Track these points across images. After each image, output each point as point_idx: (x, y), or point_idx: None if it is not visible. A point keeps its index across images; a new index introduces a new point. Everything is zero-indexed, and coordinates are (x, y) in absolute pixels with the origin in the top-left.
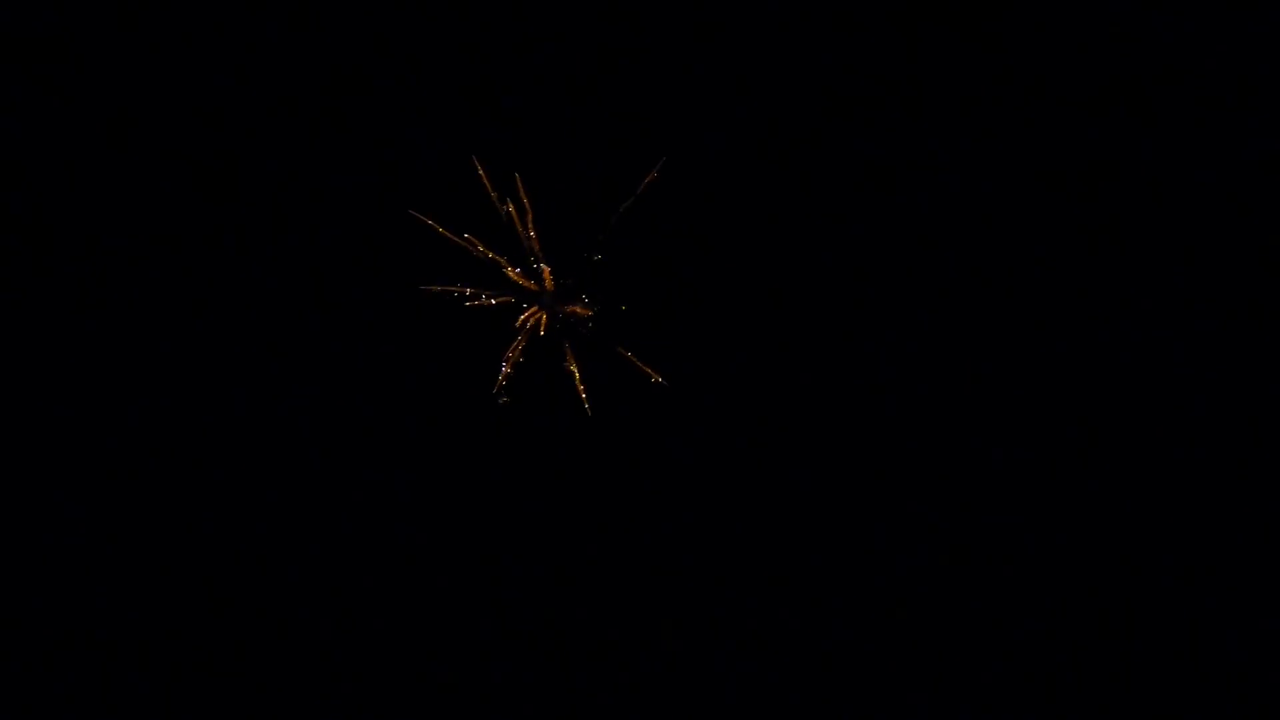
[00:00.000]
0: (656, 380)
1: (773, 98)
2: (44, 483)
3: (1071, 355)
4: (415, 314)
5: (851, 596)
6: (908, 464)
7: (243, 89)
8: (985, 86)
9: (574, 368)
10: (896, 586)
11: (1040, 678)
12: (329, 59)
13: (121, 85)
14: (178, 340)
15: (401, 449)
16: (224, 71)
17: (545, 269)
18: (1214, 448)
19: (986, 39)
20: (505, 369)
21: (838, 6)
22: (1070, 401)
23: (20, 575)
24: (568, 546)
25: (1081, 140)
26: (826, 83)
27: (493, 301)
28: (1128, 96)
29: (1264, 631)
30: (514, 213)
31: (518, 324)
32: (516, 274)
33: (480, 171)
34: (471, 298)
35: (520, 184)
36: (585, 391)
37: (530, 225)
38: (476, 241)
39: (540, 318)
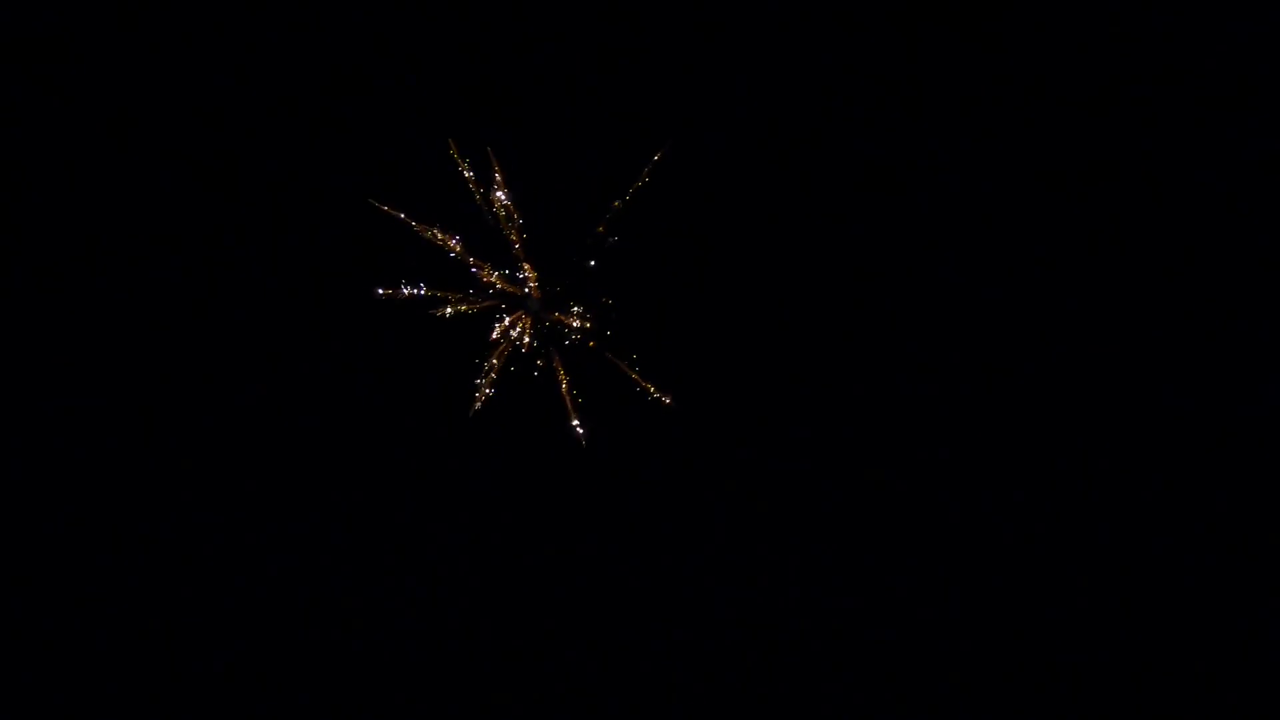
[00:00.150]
0: (660, 399)
1: (771, 97)
2: None
3: (1072, 356)
4: (374, 323)
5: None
6: (919, 474)
7: (198, 81)
8: (985, 86)
9: (564, 385)
10: (901, 598)
11: (1041, 678)
12: (292, 48)
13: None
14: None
15: (361, 483)
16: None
17: (528, 268)
18: (1214, 448)
19: (986, 39)
20: (483, 387)
21: (837, 6)
22: (1071, 402)
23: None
24: (555, 600)
25: (1081, 140)
26: (827, 83)
27: (461, 308)
28: (1127, 96)
29: (1264, 631)
30: (493, 200)
31: (496, 334)
32: (494, 275)
33: (454, 152)
34: (438, 303)
35: (494, 161)
36: (577, 414)
37: (513, 216)
38: (443, 234)
39: (523, 326)
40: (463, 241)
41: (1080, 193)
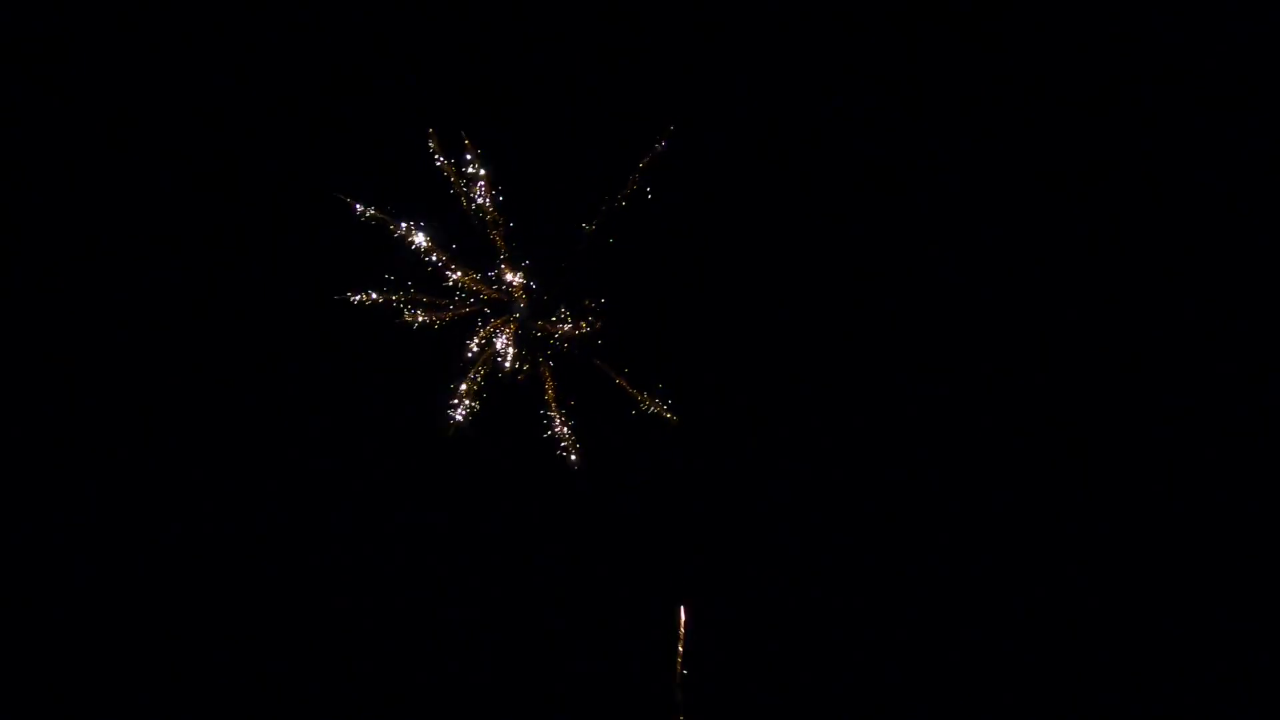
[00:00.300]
0: (662, 416)
1: (770, 96)
2: None
3: (1071, 357)
4: (335, 334)
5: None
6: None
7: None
8: (985, 86)
9: (554, 402)
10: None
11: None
12: (260, 35)
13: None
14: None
15: (326, 510)
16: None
17: (506, 269)
18: (1213, 448)
19: (986, 39)
20: (460, 406)
21: (837, 6)
22: (1071, 403)
23: None
24: (546, 643)
25: (1081, 140)
26: (827, 82)
27: (436, 315)
28: (1127, 96)
29: (1263, 632)
30: (473, 195)
31: (475, 344)
32: (473, 278)
33: (432, 144)
34: (408, 309)
35: (472, 149)
36: (569, 435)
37: (496, 212)
38: (415, 232)
39: (507, 335)
40: (438, 240)
41: (1080, 193)
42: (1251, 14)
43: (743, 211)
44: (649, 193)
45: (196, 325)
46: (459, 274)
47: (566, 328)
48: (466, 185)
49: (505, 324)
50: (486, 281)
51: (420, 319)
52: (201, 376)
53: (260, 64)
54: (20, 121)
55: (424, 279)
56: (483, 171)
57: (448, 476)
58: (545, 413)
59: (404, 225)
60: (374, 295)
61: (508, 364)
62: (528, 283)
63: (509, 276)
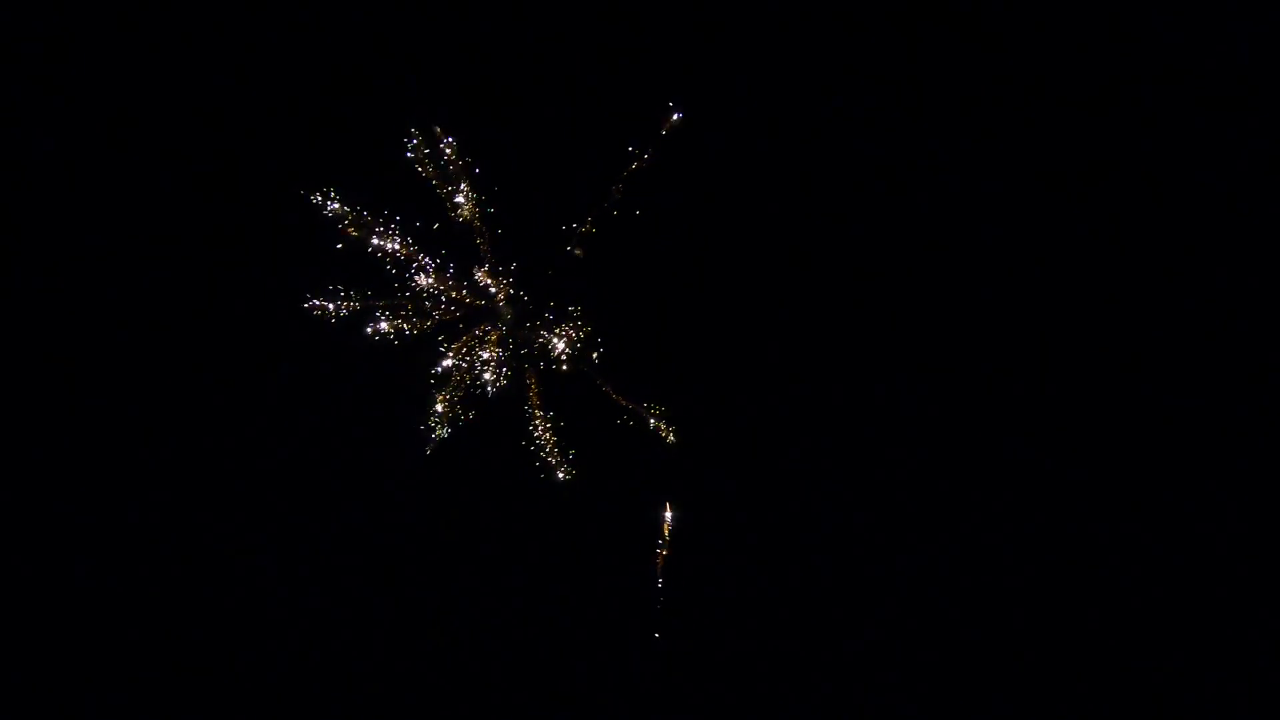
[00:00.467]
0: (661, 434)
1: (767, 96)
2: None
3: (1072, 358)
4: (300, 344)
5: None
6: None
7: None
8: (985, 86)
9: (540, 415)
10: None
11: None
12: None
13: None
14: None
15: (295, 531)
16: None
17: (485, 275)
18: (1213, 448)
19: (986, 39)
20: (440, 416)
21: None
22: (1072, 404)
23: None
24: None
25: (1081, 140)
26: (827, 82)
27: (411, 322)
28: (1128, 96)
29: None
30: (449, 188)
31: (453, 354)
32: (453, 284)
33: (416, 141)
34: (379, 316)
35: (445, 141)
36: (558, 449)
37: (476, 209)
38: (387, 230)
39: (490, 344)
40: (414, 242)
41: (1080, 192)
42: (1251, 14)
43: (739, 213)
44: (641, 194)
45: (153, 336)
46: (435, 279)
47: (556, 340)
48: (448, 185)
49: (487, 333)
50: (467, 287)
51: (391, 329)
52: (156, 397)
53: (232, 61)
54: None
55: (398, 285)
56: (455, 159)
57: (422, 505)
58: (531, 432)
59: (378, 226)
60: (340, 303)
61: (489, 377)
62: (512, 288)
63: (489, 282)
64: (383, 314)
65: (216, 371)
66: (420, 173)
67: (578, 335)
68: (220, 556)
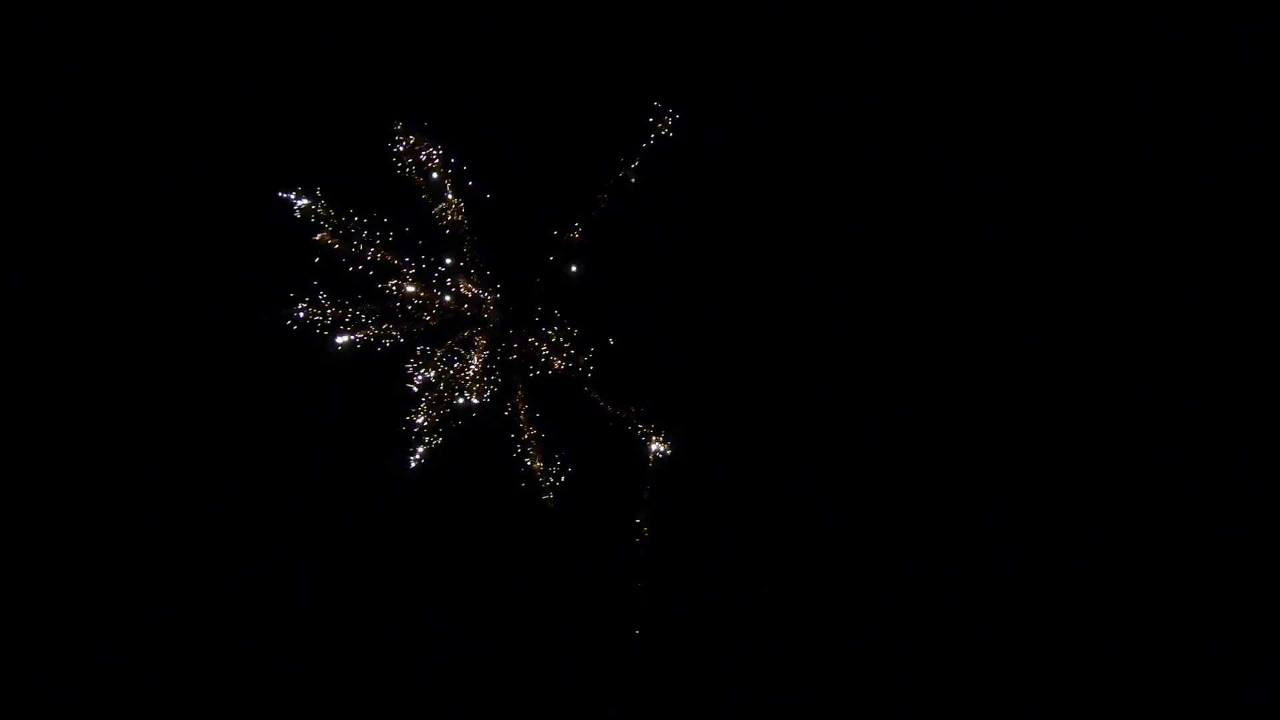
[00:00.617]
0: (656, 445)
1: (767, 95)
2: None
3: (1071, 357)
4: (275, 352)
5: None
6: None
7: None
8: (985, 86)
9: (529, 433)
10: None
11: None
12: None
13: None
14: None
15: (267, 547)
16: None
17: (465, 284)
18: (1212, 448)
19: (986, 39)
20: (422, 435)
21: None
22: (1072, 405)
23: None
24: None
25: (1081, 140)
26: (826, 82)
27: (391, 329)
28: (1128, 96)
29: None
30: (432, 187)
31: (440, 359)
32: (435, 290)
33: (401, 140)
34: (356, 323)
35: (421, 141)
36: (546, 471)
37: (454, 207)
38: (366, 234)
39: (476, 351)
40: (396, 244)
41: (1080, 192)
42: (1251, 14)
43: (735, 214)
44: (633, 195)
45: (122, 344)
46: (418, 284)
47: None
48: (431, 185)
49: (473, 341)
50: (452, 293)
51: (371, 336)
52: (119, 411)
53: (210, 62)
54: None
55: (381, 290)
56: (435, 159)
57: (402, 527)
58: (519, 446)
59: (361, 229)
60: (318, 309)
61: (474, 389)
62: (499, 294)
63: (472, 289)
64: (365, 320)
65: (191, 381)
66: (401, 173)
67: (567, 342)
68: (188, 584)
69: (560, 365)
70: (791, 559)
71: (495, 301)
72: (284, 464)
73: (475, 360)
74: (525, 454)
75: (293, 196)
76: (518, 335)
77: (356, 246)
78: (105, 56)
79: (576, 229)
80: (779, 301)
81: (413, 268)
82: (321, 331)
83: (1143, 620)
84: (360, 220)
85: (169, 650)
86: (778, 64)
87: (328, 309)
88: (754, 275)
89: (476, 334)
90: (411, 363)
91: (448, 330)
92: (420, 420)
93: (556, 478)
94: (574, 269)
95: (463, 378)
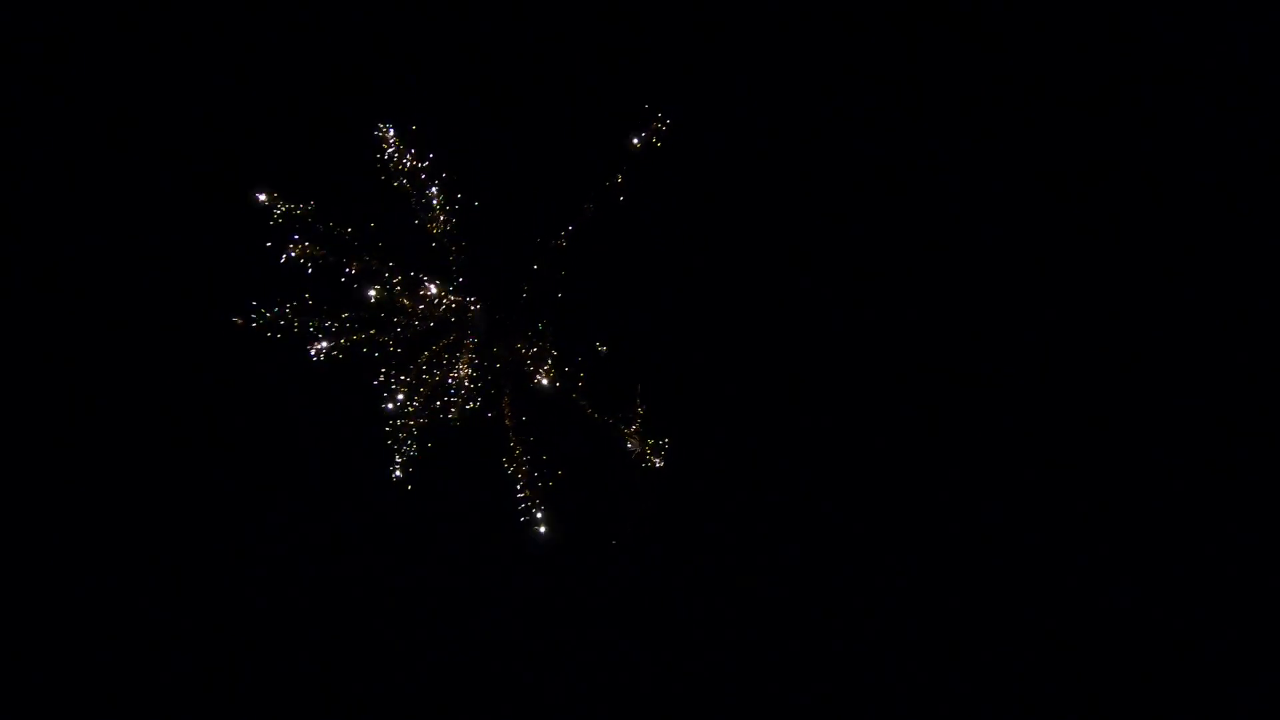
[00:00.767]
0: (646, 460)
1: (765, 94)
2: None
3: (1071, 357)
4: (241, 358)
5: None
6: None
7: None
8: (985, 86)
9: (515, 440)
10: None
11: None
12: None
13: None
14: None
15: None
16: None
17: (438, 289)
18: (1213, 448)
19: (986, 39)
20: (402, 447)
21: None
22: (1072, 405)
23: None
24: None
25: (1081, 140)
26: (826, 83)
27: (368, 335)
28: (1127, 96)
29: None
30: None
31: (418, 364)
32: (417, 297)
33: (390, 139)
34: (331, 330)
35: (397, 140)
36: (531, 479)
37: (440, 213)
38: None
39: (461, 359)
40: (370, 248)
41: (1080, 192)
42: (1251, 14)
43: (731, 216)
44: (623, 199)
45: (95, 351)
46: (404, 292)
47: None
48: (415, 188)
49: (456, 349)
50: (438, 300)
51: (351, 342)
52: (91, 422)
53: (189, 66)
54: None
55: (354, 296)
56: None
57: (382, 545)
58: (505, 459)
59: (336, 231)
60: (295, 317)
61: (459, 398)
62: (484, 301)
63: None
64: (347, 327)
65: (174, 389)
66: (384, 177)
67: (553, 349)
68: (165, 602)
69: (544, 376)
70: (784, 565)
71: (480, 309)
72: (265, 474)
73: (461, 369)
74: (511, 463)
75: (270, 201)
76: (503, 343)
77: (337, 255)
78: (89, 60)
79: (563, 236)
80: (771, 306)
81: (397, 274)
82: (303, 339)
83: (1143, 620)
84: (343, 226)
85: (163, 651)
86: (776, 65)
87: (307, 316)
88: (745, 281)
89: (462, 342)
90: (388, 373)
91: (431, 338)
92: (402, 431)
93: (543, 488)
94: (560, 276)
95: (447, 387)
